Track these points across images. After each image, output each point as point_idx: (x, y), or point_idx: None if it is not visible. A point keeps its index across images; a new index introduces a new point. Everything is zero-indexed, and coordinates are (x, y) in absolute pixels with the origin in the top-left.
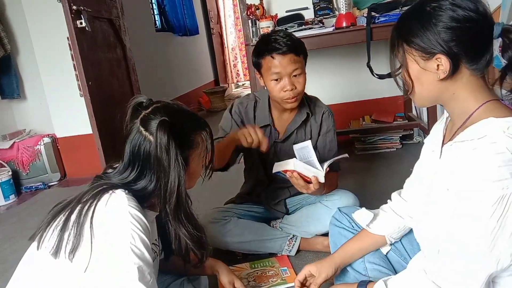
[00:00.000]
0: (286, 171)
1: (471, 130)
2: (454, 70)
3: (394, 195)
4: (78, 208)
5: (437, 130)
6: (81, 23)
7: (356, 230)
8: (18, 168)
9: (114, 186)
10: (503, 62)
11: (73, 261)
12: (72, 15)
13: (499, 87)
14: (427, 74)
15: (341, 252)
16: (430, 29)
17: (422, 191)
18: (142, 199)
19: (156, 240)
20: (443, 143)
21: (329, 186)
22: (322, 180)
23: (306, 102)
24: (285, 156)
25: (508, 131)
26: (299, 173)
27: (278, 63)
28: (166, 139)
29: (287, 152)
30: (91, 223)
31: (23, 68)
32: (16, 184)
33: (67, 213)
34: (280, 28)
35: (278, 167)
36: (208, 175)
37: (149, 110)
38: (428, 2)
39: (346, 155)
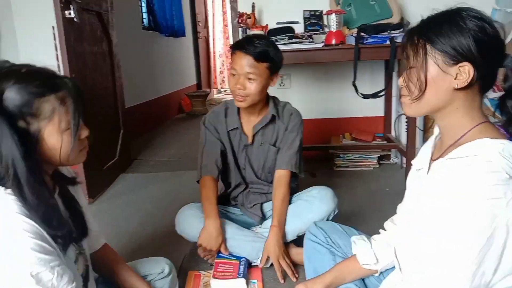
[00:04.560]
0: None
1: (466, 148)
2: (471, 83)
3: (387, 223)
4: None
5: (426, 148)
6: (69, 14)
7: (330, 245)
8: None
9: None
10: (497, 94)
11: None
12: (62, 5)
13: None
14: (445, 80)
15: (334, 272)
16: (464, 35)
17: (408, 208)
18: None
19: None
20: (431, 160)
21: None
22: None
23: (274, 105)
24: (256, 160)
25: (504, 152)
26: None
27: (237, 59)
28: None
29: (257, 154)
30: None
31: (3, 54)
32: None
33: None
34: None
35: None
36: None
37: None
38: (457, 12)
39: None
